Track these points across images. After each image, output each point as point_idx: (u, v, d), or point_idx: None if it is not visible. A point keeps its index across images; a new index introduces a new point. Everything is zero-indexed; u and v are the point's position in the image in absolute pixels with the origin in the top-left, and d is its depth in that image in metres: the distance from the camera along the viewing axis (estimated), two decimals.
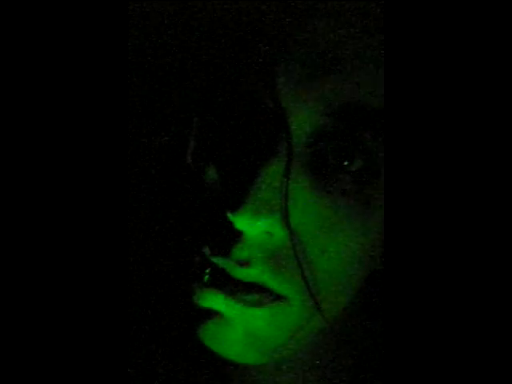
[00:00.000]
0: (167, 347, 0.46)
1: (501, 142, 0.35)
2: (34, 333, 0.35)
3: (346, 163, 0.39)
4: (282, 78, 0.38)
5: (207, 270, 0.40)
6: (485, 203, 0.35)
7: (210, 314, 0.40)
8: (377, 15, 0.38)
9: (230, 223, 0.38)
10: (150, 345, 0.45)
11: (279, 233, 0.38)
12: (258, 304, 0.39)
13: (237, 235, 0.38)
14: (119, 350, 0.36)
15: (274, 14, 0.38)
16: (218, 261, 0.39)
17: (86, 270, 0.36)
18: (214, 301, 0.40)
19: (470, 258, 0.35)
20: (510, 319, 0.35)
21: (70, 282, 0.36)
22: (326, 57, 0.38)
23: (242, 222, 0.37)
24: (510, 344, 0.35)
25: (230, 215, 0.37)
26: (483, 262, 0.35)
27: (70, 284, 0.36)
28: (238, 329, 0.40)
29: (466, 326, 0.35)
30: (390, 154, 0.37)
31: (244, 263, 0.39)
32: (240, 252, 0.38)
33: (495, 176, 0.35)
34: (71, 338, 0.36)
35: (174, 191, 0.42)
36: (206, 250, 0.39)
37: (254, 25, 0.39)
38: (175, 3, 0.41)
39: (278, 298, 0.40)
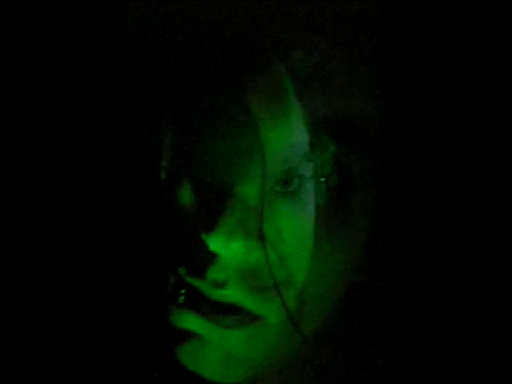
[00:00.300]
0: (144, 367, 0.45)
1: (495, 154, 0.35)
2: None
3: (322, 179, 0.38)
4: (253, 93, 0.37)
5: (182, 291, 0.39)
6: (477, 217, 0.35)
7: (188, 334, 0.40)
8: (355, 29, 0.38)
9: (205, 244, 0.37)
10: (127, 364, 0.45)
11: (255, 253, 0.38)
12: (235, 326, 0.39)
13: (212, 256, 0.37)
14: (99, 368, 0.36)
15: (249, 25, 0.38)
16: (193, 282, 0.39)
17: (61, 284, 0.36)
18: (191, 322, 0.39)
19: (463, 268, 0.35)
20: (499, 327, 0.35)
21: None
22: (301, 71, 0.37)
23: (215, 243, 0.37)
24: (497, 346, 0.35)
25: (203, 236, 0.37)
26: (476, 273, 0.35)
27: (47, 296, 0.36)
28: (216, 349, 0.40)
29: (458, 335, 0.35)
30: (386, 162, 0.37)
31: (220, 284, 0.38)
32: (215, 273, 0.38)
33: (489, 191, 0.35)
34: (49, 355, 0.35)
35: (149, 210, 0.42)
36: (182, 270, 0.39)
37: (224, 36, 0.38)
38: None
39: (256, 318, 0.39)
